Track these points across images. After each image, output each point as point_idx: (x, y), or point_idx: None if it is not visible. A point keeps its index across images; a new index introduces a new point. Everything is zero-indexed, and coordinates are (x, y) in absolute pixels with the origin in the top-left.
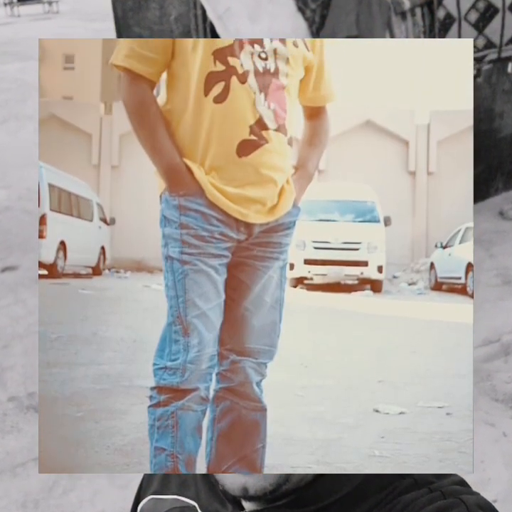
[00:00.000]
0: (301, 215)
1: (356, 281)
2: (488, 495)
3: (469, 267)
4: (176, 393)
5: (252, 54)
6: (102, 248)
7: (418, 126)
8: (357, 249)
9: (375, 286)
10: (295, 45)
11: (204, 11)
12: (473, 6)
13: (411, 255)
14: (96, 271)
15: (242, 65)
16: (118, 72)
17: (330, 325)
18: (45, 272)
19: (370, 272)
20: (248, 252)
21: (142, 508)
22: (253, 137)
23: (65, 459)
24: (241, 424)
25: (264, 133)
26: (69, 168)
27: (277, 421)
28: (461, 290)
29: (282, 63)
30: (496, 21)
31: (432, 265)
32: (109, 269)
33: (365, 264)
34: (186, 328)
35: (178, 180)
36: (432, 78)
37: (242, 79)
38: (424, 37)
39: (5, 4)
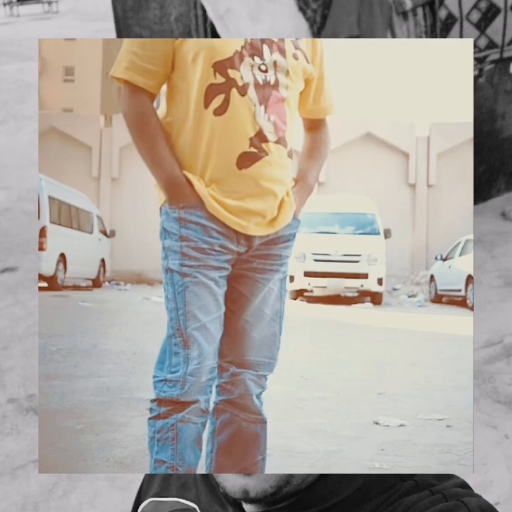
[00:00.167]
0: (301, 228)
1: (356, 294)
2: (490, 497)
3: (469, 279)
4: (176, 405)
5: (252, 66)
6: (102, 260)
7: (418, 138)
8: (357, 262)
9: (375, 298)
10: (295, 57)
11: (204, 11)
12: (475, 6)
13: (411, 267)
14: (96, 283)
15: (242, 77)
16: (118, 85)
17: (330, 337)
18: (45, 285)
19: (370, 285)
20: (248, 265)
21: (142, 511)
22: (253, 149)
23: (65, 470)
24: (241, 437)
25: (264, 145)
26: (69, 181)
27: (277, 433)
28: (461, 302)
29: (282, 75)
30: (498, 21)
31: (431, 277)
32: (109, 282)
33: (365, 276)
34: (186, 341)
35: (178, 192)
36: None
37: (242, 91)
38: (426, 37)
39: (4, 4)
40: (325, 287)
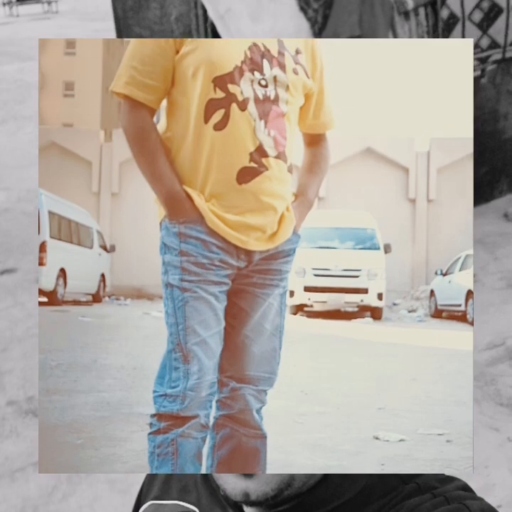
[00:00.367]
0: (301, 243)
1: (356, 309)
2: (492, 500)
3: (469, 294)
4: (176, 420)
5: (252, 81)
6: (102, 275)
7: (418, 153)
8: (357, 277)
9: (375, 313)
10: (295, 72)
11: (205, 11)
12: (478, 6)
13: (411, 282)
14: (96, 298)
15: (242, 92)
16: (118, 100)
17: (330, 352)
18: (45, 299)
19: (370, 299)
20: (248, 280)
21: None
22: (253, 164)
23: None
24: (241, 452)
25: (264, 160)
26: (69, 196)
27: (277, 448)
28: (461, 317)
29: (282, 90)
30: (501, 21)
31: (431, 292)
32: (109, 297)
33: (365, 291)
34: (186, 356)
35: (178, 207)
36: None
37: (242, 106)
38: (428, 37)
39: (4, 4)
40: (325, 302)
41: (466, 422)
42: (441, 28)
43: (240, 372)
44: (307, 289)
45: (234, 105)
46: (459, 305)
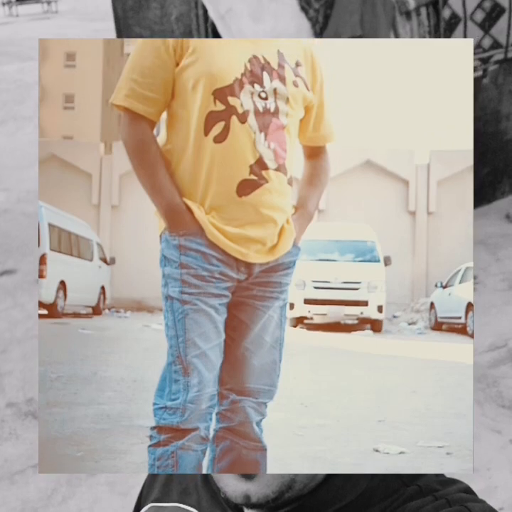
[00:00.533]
0: (301, 255)
1: (356, 321)
2: (494, 502)
3: (469, 306)
4: (176, 433)
5: (252, 94)
6: (102, 288)
7: (418, 166)
8: (357, 289)
9: (375, 325)
10: (295, 84)
11: (205, 11)
12: (479, 6)
13: (411, 295)
14: (96, 311)
15: (242, 104)
16: (118, 112)
17: (330, 365)
18: (45, 312)
19: (370, 312)
20: (248, 292)
21: None
22: (253, 177)
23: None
24: (241, 464)
25: (264, 173)
26: (69, 208)
27: (277, 460)
28: (461, 330)
29: (282, 103)
30: (503, 21)
31: (431, 305)
32: (109, 309)
33: (365, 303)
34: (186, 368)
35: (178, 220)
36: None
37: (242, 118)
38: (430, 37)
39: (3, 4)
40: (325, 314)
41: (466, 435)
42: (443, 28)
43: (240, 385)
44: (307, 301)
45: (234, 118)
46: (459, 317)
